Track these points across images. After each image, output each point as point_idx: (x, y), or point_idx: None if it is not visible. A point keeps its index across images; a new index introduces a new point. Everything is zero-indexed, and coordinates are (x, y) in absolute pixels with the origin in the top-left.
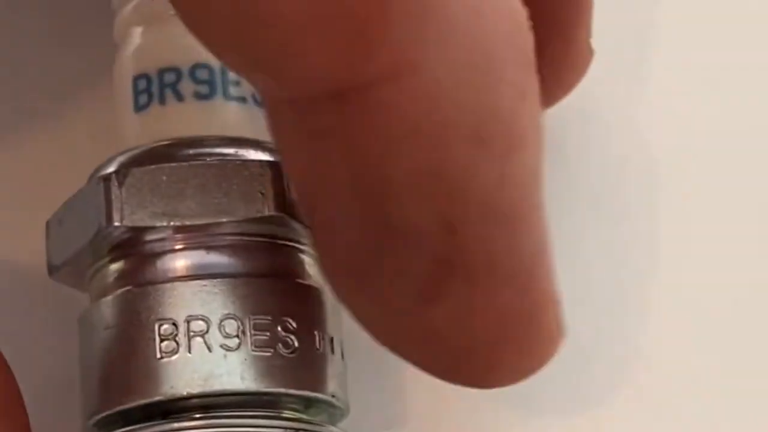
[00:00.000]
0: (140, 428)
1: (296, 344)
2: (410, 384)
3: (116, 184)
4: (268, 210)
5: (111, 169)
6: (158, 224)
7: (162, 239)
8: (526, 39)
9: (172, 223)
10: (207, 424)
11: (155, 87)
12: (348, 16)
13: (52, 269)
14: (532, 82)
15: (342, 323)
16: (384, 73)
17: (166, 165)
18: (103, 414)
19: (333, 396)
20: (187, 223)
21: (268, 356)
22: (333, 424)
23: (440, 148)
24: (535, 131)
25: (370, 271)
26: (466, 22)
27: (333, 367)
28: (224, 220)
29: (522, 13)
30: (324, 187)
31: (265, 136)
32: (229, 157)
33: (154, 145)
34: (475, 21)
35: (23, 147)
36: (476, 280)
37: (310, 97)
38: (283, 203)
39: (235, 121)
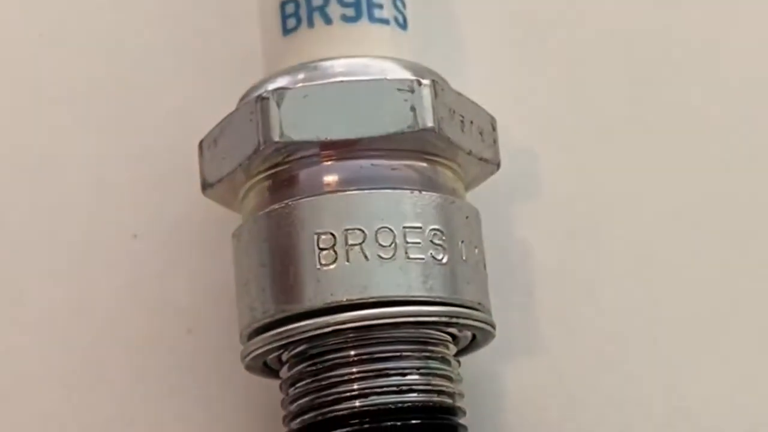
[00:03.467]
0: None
1: (446, 254)
2: None
3: (274, 102)
4: (419, 125)
5: (266, 89)
6: (315, 139)
7: (316, 154)
8: None
9: (328, 138)
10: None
11: (303, 11)
12: None
13: (206, 186)
14: None
15: (481, 232)
16: None
17: (320, 83)
18: (266, 321)
19: (479, 304)
20: (343, 137)
21: (421, 265)
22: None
23: None
24: None
25: None
26: None
27: (478, 276)
28: (377, 134)
29: None
30: None
31: (408, 56)
32: (378, 76)
33: (307, 65)
34: None
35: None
36: None
37: None
38: (432, 118)
39: (380, 42)
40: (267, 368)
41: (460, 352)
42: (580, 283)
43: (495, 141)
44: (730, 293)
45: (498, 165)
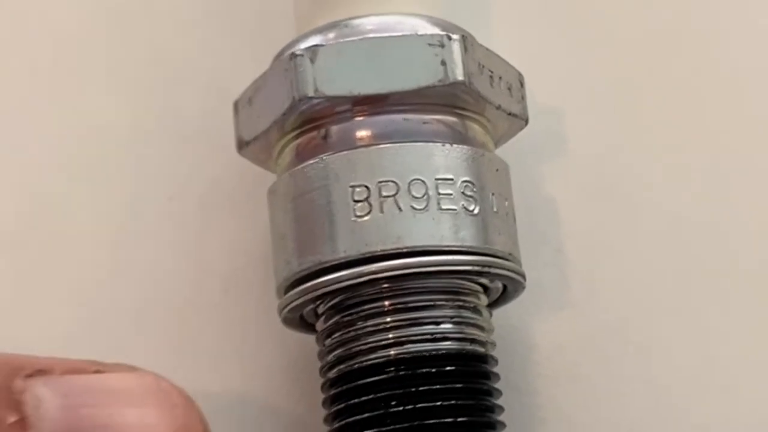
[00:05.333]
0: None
1: (477, 205)
2: None
3: (307, 59)
4: (449, 78)
5: (299, 47)
6: (348, 94)
7: (349, 110)
8: None
9: (360, 93)
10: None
11: None
12: None
13: (241, 145)
14: None
15: (510, 186)
16: None
17: (352, 39)
18: (303, 273)
19: (510, 254)
20: (375, 92)
21: (453, 215)
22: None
23: None
24: None
25: None
26: None
27: (508, 228)
28: (408, 88)
29: None
30: None
31: (438, 14)
32: (409, 32)
33: (339, 23)
34: None
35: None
36: None
37: None
38: (462, 72)
39: (410, 0)
40: (303, 322)
41: (492, 305)
42: (607, 238)
43: (523, 97)
44: (761, 249)
45: (526, 120)
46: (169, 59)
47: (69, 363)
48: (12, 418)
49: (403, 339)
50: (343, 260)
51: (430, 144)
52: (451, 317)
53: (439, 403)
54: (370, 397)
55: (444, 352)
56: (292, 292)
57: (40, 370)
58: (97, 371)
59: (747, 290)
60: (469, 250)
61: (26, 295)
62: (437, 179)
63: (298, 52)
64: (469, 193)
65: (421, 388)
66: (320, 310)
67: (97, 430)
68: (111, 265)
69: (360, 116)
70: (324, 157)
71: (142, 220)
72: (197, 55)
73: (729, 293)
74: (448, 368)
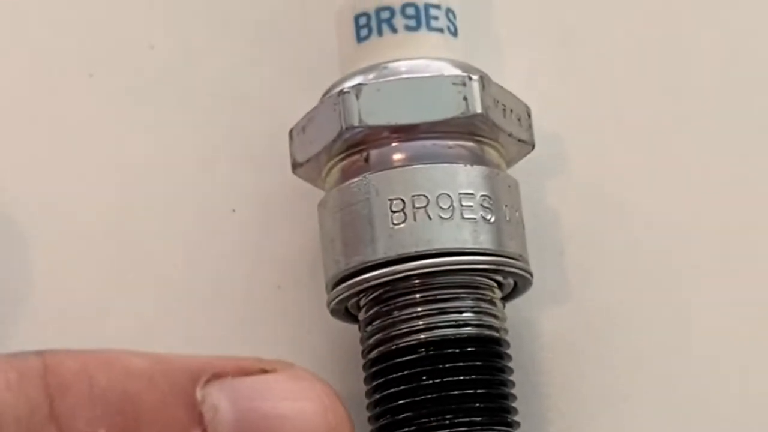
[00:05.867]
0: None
1: (493, 215)
2: None
3: (353, 95)
4: (470, 111)
5: (345, 85)
6: (386, 124)
7: (387, 137)
8: None
9: (397, 123)
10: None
11: (374, 22)
12: None
13: (296, 166)
14: None
15: (520, 199)
16: None
17: (390, 79)
18: (349, 270)
19: (520, 256)
20: (409, 123)
21: (473, 223)
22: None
23: None
24: None
25: None
26: None
27: (518, 234)
28: (436, 119)
29: None
30: None
31: (458, 57)
32: (436, 73)
33: (378, 65)
34: None
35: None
36: None
37: None
38: (481, 106)
39: (436, 46)
40: (347, 313)
41: (505, 298)
42: (601, 242)
43: (530, 126)
44: (747, 250)
45: (533, 145)
46: (236, 94)
47: (237, 362)
48: None
49: (432, 325)
50: (382, 260)
51: (455, 165)
52: (471, 307)
53: (461, 378)
54: (405, 373)
55: (465, 335)
56: (339, 287)
57: (215, 374)
58: (262, 369)
59: (726, 275)
60: (486, 251)
61: (110, 289)
62: (460, 194)
63: (345, 90)
64: (486, 205)
65: (446, 365)
66: (362, 302)
67: (260, 422)
68: (183, 265)
69: (396, 142)
70: (366, 176)
71: (211, 228)
72: (259, 91)
73: (706, 285)
74: (469, 349)
